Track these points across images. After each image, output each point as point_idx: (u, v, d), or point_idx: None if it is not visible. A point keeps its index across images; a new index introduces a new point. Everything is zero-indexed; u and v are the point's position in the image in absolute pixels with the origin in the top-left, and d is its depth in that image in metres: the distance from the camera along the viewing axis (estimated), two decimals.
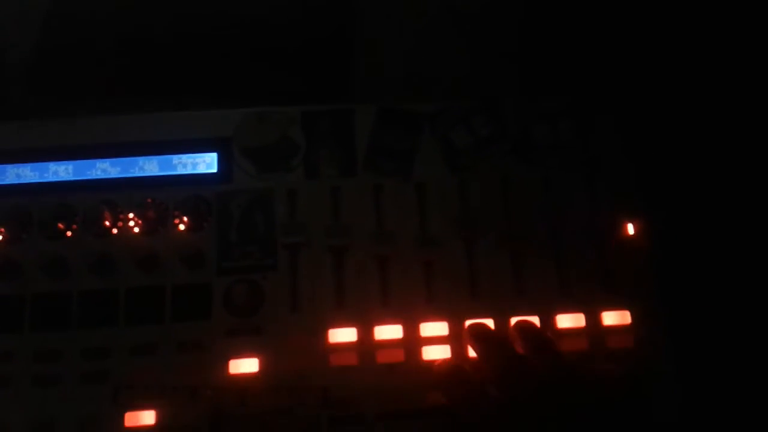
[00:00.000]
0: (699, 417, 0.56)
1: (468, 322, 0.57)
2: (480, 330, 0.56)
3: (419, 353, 0.56)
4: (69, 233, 0.59)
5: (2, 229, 0.59)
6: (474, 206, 0.60)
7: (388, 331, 0.57)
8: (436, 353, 0.56)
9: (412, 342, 0.57)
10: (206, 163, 0.61)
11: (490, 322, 0.57)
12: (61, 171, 0.61)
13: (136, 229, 0.59)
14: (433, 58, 0.73)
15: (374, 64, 0.73)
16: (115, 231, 0.59)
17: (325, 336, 0.57)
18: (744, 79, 0.67)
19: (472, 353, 0.56)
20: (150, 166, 0.61)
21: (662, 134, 0.65)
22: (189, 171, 0.61)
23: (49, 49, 0.72)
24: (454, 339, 0.57)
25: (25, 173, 0.61)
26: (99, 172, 0.61)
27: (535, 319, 0.57)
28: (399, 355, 0.57)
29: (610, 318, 0.57)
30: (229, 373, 0.56)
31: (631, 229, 0.59)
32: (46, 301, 0.57)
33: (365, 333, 0.57)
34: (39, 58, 0.72)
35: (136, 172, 0.61)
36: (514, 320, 0.57)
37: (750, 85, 0.66)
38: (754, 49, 0.67)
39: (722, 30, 0.68)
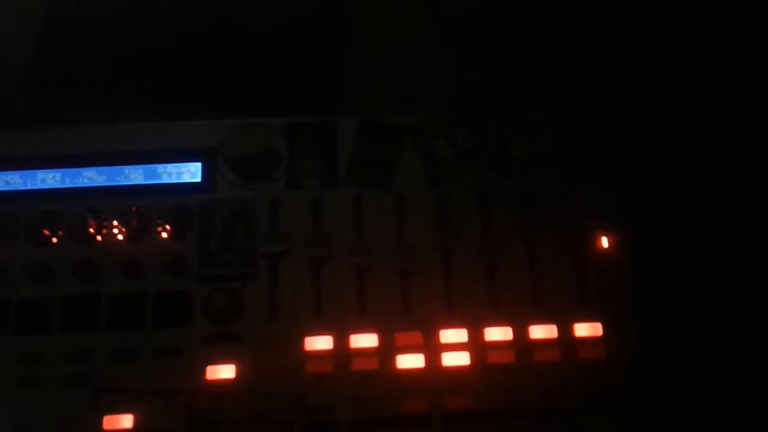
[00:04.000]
0: (670, 429, 0.57)
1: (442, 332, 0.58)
2: None
3: (394, 362, 0.57)
4: (54, 240, 0.60)
5: None
6: (452, 218, 0.61)
7: (364, 340, 0.58)
8: (410, 362, 0.57)
9: (387, 350, 0.58)
10: (190, 172, 0.63)
11: (463, 333, 0.58)
12: (49, 179, 0.62)
13: (120, 237, 0.60)
14: (420, 71, 0.75)
15: (360, 76, 0.74)
16: (99, 238, 0.60)
17: (301, 344, 0.58)
18: (726, 94, 0.68)
19: (446, 362, 0.57)
20: (135, 175, 0.63)
21: (641, 148, 0.66)
22: (173, 180, 0.62)
23: (39, 58, 0.74)
24: (429, 348, 0.58)
25: (14, 180, 0.62)
26: (86, 180, 0.62)
27: (508, 330, 0.58)
28: (374, 363, 0.58)
29: (582, 330, 0.58)
30: (206, 378, 0.57)
31: (605, 242, 0.60)
32: (29, 306, 0.59)
33: (341, 341, 0.58)
34: (29, 67, 0.73)
35: (122, 181, 0.62)
36: (488, 330, 0.58)
37: (732, 102, 0.67)
38: (735, 61, 0.68)
39: (700, 43, 0.69)
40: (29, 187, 0.62)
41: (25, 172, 0.62)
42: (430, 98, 0.73)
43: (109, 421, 0.56)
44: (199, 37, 0.73)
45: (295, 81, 0.73)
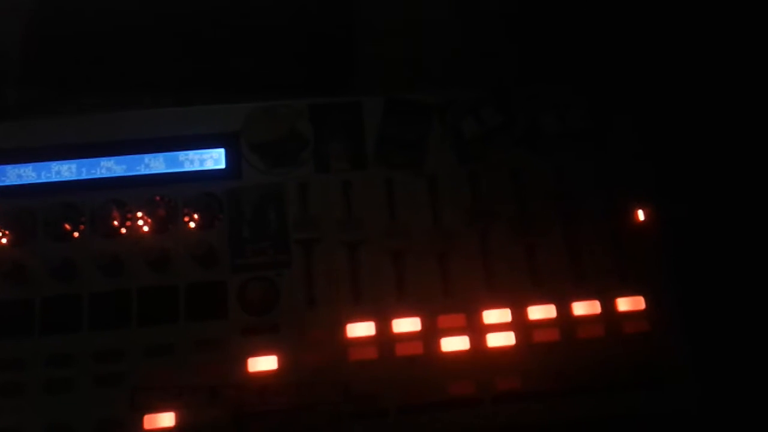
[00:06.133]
0: (714, 402, 0.57)
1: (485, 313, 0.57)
2: None
3: (438, 345, 0.56)
4: (76, 234, 0.58)
5: (6, 232, 0.57)
6: (485, 197, 0.60)
7: (406, 324, 0.57)
8: (455, 344, 0.57)
9: (431, 334, 0.57)
10: (214, 159, 0.60)
11: (507, 312, 0.57)
12: (64, 170, 0.59)
13: (146, 228, 0.58)
14: (435, 46, 0.73)
15: (376, 52, 0.72)
16: (123, 230, 0.58)
17: (343, 331, 0.56)
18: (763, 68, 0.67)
19: (491, 343, 0.57)
20: (156, 164, 0.60)
21: (674, 119, 0.65)
22: (196, 167, 0.60)
23: (44, 41, 0.70)
24: (473, 330, 0.57)
25: (27, 173, 0.59)
26: (103, 171, 0.59)
27: (551, 308, 0.58)
28: (418, 348, 0.57)
29: (625, 304, 0.58)
30: (248, 371, 0.55)
31: (642, 215, 0.60)
32: (55, 305, 0.56)
33: (383, 326, 0.57)
34: (34, 50, 0.69)
35: (142, 170, 0.60)
36: (531, 309, 0.57)
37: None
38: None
39: (744, 20, 0.68)
40: (44, 179, 0.59)
41: (38, 164, 0.59)
42: (448, 75, 0.71)
43: (149, 421, 0.54)
44: (211, 20, 0.70)
45: (308, 59, 0.71)
